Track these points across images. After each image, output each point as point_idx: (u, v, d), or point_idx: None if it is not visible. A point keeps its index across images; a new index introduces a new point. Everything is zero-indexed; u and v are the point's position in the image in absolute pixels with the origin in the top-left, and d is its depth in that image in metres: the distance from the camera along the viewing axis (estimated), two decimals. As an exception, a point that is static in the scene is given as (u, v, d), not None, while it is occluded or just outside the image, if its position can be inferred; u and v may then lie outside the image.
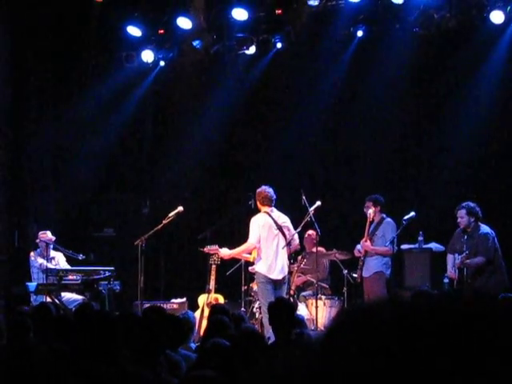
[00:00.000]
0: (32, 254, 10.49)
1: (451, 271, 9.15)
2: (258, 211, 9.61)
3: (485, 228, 9.12)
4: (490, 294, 1.07)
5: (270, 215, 9.48)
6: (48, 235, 10.45)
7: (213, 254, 10.22)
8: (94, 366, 3.83)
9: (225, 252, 9.78)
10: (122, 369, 3.84)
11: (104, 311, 7.80)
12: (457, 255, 9.01)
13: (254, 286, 9.99)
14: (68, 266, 10.48)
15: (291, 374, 0.98)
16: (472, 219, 9.05)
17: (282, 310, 6.21)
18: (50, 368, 3.75)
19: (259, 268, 9.37)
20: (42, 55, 12.06)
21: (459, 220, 9.10)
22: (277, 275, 9.41)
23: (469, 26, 10.89)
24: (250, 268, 9.80)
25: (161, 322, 4.78)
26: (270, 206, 9.53)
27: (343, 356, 0.95)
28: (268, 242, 9.42)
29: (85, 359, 3.98)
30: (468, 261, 8.90)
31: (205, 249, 9.99)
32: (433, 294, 5.87)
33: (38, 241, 10.49)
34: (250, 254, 9.62)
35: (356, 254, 9.93)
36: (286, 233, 9.53)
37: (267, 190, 9.54)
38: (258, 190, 9.55)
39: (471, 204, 9.11)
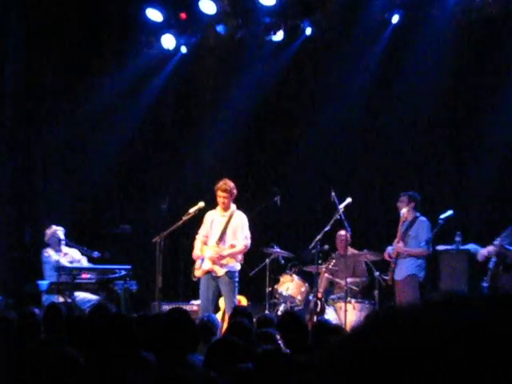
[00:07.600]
0: (46, 250, 10.42)
1: (485, 251, 8.99)
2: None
3: None
4: None
5: None
6: (52, 228, 10.43)
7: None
8: (109, 371, 3.78)
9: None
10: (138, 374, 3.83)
11: (121, 313, 7.68)
12: (499, 239, 8.85)
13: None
14: (87, 263, 10.44)
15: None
16: None
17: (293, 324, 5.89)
18: (59, 373, 3.81)
19: (238, 266, 9.35)
20: (59, 41, 11.87)
21: None
22: None
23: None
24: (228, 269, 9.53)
25: (185, 325, 4.58)
26: None
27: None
28: None
29: (98, 364, 3.89)
30: (508, 246, 8.72)
31: None
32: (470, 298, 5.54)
33: (47, 238, 10.43)
34: None
35: (386, 257, 9.68)
36: None
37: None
38: (232, 184, 9.26)
39: None
